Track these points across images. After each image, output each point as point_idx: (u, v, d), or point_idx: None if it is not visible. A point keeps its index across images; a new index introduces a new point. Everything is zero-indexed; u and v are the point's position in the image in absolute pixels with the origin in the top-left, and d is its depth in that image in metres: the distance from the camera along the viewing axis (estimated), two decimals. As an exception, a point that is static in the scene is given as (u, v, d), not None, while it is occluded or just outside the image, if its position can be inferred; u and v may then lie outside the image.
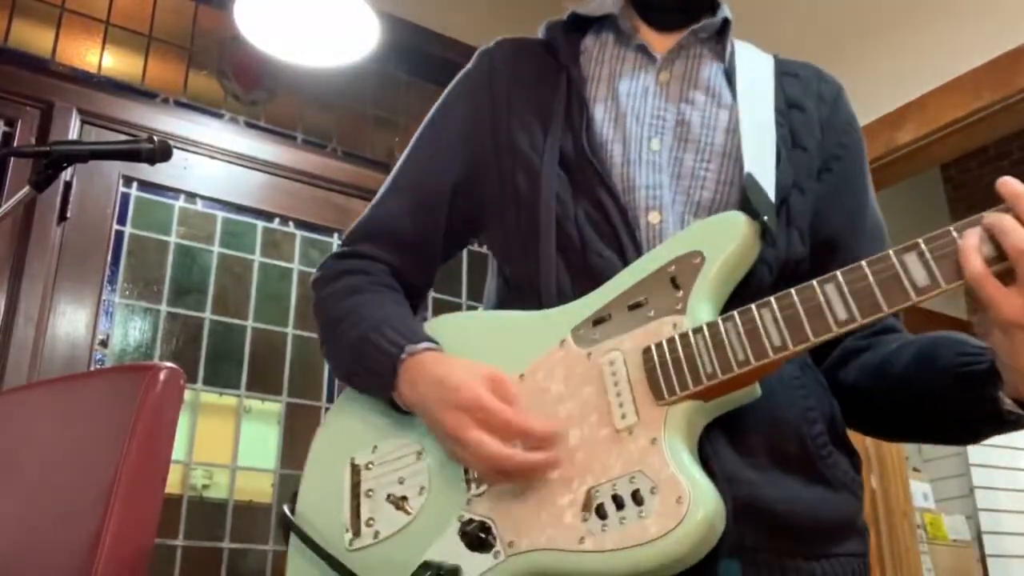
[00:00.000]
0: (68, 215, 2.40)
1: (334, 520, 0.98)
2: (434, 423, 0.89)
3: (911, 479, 2.70)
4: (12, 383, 2.19)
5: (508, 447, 0.83)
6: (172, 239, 2.61)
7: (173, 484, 2.39)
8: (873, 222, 1.05)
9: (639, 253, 0.92)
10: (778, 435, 0.88)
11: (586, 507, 0.81)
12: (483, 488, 0.88)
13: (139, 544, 1.15)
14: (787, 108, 1.02)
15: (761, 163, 0.95)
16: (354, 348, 0.98)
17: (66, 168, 1.49)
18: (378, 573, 0.92)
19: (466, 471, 0.90)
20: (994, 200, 0.75)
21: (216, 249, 2.68)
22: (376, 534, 0.94)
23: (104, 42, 2.67)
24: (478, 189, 1.06)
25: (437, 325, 1.02)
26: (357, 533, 0.96)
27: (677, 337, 0.83)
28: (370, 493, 0.97)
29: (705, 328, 0.82)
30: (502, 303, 1.04)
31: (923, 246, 0.75)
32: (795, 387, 0.91)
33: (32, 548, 1.19)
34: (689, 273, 0.86)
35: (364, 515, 0.96)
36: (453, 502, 0.90)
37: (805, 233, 0.97)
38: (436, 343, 0.95)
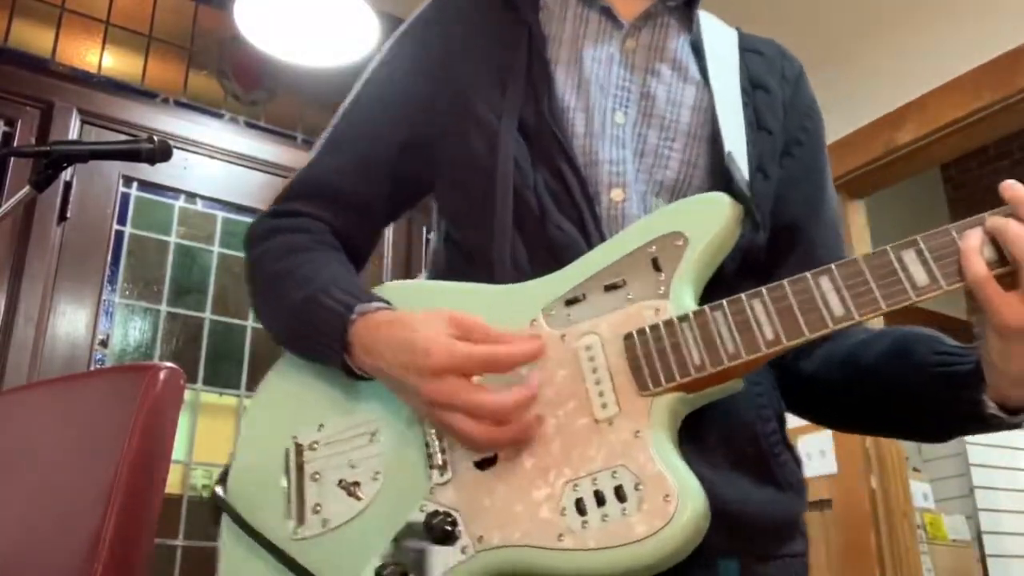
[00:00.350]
0: (68, 215, 2.40)
1: (274, 506, 0.88)
2: (408, 393, 0.80)
3: (911, 479, 2.70)
4: (12, 383, 2.19)
5: (508, 392, 0.76)
6: (172, 239, 2.61)
7: (173, 484, 2.39)
8: (832, 209, 1.02)
9: (599, 230, 0.87)
10: (734, 433, 0.85)
11: (565, 502, 0.76)
12: (448, 476, 0.81)
13: (139, 544, 1.15)
14: (751, 87, 0.99)
15: (735, 145, 0.92)
16: (298, 311, 0.89)
17: (66, 168, 1.49)
18: (326, 566, 0.83)
19: (429, 455, 0.82)
20: (994, 200, 0.74)
21: (216, 249, 2.68)
22: (325, 523, 0.85)
23: (104, 42, 2.67)
24: (428, 148, 0.98)
25: (386, 292, 0.92)
26: (302, 521, 0.86)
27: (661, 324, 0.78)
28: (316, 477, 0.87)
29: (692, 317, 0.77)
30: (451, 270, 0.96)
31: (922, 244, 0.73)
32: (752, 383, 0.87)
33: (32, 548, 1.19)
34: (671, 255, 0.81)
35: (310, 501, 0.87)
36: (413, 490, 0.82)
37: (767, 219, 0.94)
38: (387, 303, 0.87)
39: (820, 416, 1.01)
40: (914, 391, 0.86)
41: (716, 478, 0.78)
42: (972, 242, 0.71)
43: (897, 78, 2.53)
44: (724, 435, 0.84)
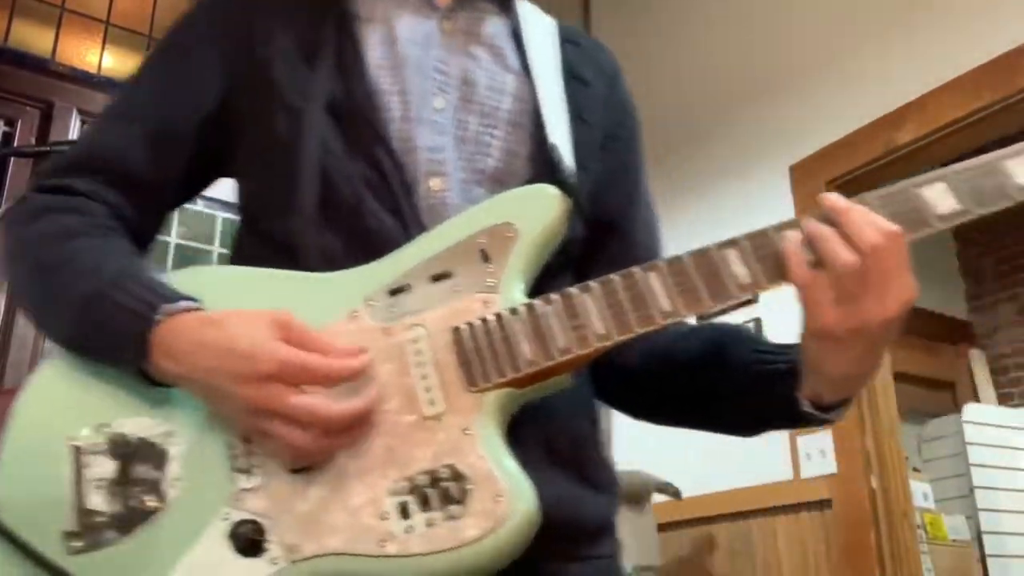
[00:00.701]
0: (68, 215, 2.40)
1: (48, 516, 0.77)
2: (225, 401, 0.73)
3: (911, 479, 2.70)
4: (12, 383, 2.19)
5: (345, 402, 0.72)
6: (172, 239, 2.61)
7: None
8: (648, 206, 1.02)
9: (419, 220, 0.84)
10: (552, 432, 0.83)
11: (387, 505, 0.72)
12: (256, 481, 0.74)
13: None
14: (571, 78, 0.96)
15: (558, 136, 0.90)
16: (83, 307, 0.79)
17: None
18: None
19: (233, 458, 0.75)
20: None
21: (216, 249, 2.68)
22: (107, 534, 0.75)
23: (104, 42, 2.67)
24: (228, 127, 0.91)
25: (186, 279, 0.83)
26: (83, 532, 0.76)
27: (491, 318, 0.76)
28: (100, 484, 0.77)
29: (523, 310, 0.75)
30: (256, 262, 0.87)
31: (743, 243, 0.75)
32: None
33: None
34: (501, 246, 0.78)
35: (92, 510, 0.76)
36: (215, 497, 0.75)
37: (586, 213, 0.92)
38: (195, 300, 0.78)
39: (635, 409, 1.00)
40: (731, 387, 0.87)
41: (534, 478, 0.75)
42: (794, 244, 0.73)
43: (897, 78, 2.52)
44: (543, 434, 0.82)
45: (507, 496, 0.70)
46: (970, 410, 4.04)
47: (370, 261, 0.81)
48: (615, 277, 0.76)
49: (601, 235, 0.94)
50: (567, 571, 0.82)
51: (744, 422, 0.92)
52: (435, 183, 0.86)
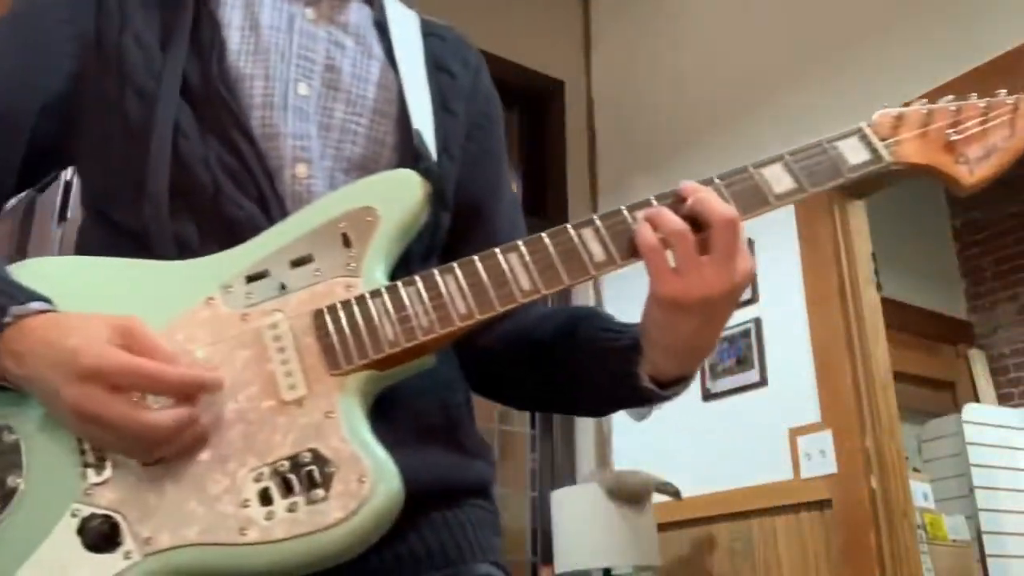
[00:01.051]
0: (68, 215, 2.40)
1: None
2: (52, 400, 0.70)
3: (911, 479, 2.70)
4: None
5: (161, 411, 0.69)
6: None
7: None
8: (510, 195, 1.04)
9: (283, 208, 0.83)
10: (421, 404, 0.84)
11: (247, 492, 0.70)
12: (107, 474, 0.72)
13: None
14: (435, 69, 0.97)
15: (423, 124, 0.91)
16: None
17: (66, 168, 1.49)
18: None
19: (82, 452, 0.73)
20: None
21: (216, 249, 2.68)
22: None
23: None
24: (74, 112, 0.87)
25: (39, 268, 0.81)
26: None
27: (353, 300, 0.76)
28: None
29: (385, 292, 0.76)
30: (105, 253, 0.83)
31: (598, 222, 0.78)
32: (439, 358, 0.85)
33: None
34: (362, 231, 0.79)
35: None
36: (62, 493, 0.72)
37: (451, 201, 0.94)
38: (48, 301, 0.75)
39: (498, 393, 1.00)
40: (580, 366, 0.89)
41: (407, 454, 0.76)
42: (643, 220, 0.78)
43: (896, 78, 2.52)
44: (411, 408, 0.82)
45: (370, 477, 0.70)
46: (970, 410, 4.04)
47: (229, 248, 0.80)
48: (476, 258, 0.78)
49: (466, 224, 0.95)
50: (428, 519, 0.82)
51: (595, 401, 0.94)
52: (300, 170, 0.85)
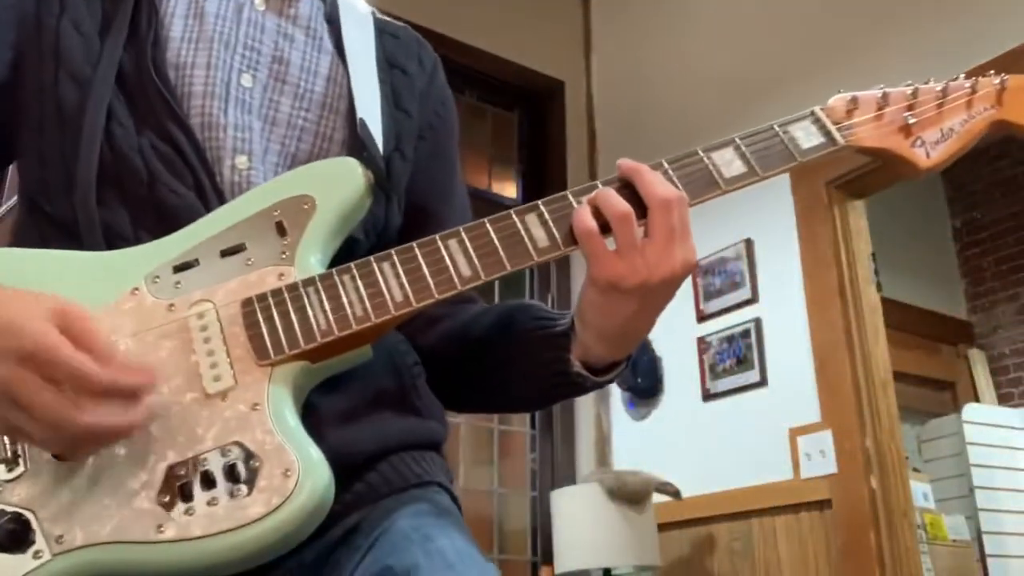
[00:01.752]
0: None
1: None
2: None
3: (911, 479, 2.70)
4: None
5: (79, 407, 0.64)
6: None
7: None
8: (462, 194, 1.02)
9: (221, 199, 0.80)
10: (373, 370, 0.81)
11: (166, 488, 0.67)
12: (19, 470, 0.69)
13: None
14: (388, 67, 0.96)
15: (370, 120, 0.88)
16: None
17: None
18: None
19: None
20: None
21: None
22: None
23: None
24: (15, 101, 0.85)
25: None
26: None
27: (284, 288, 0.73)
28: None
29: (319, 281, 0.74)
30: (41, 245, 0.81)
31: (542, 208, 0.77)
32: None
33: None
34: (297, 218, 0.76)
35: None
36: None
37: (403, 199, 0.92)
38: None
39: (441, 395, 0.96)
40: (514, 356, 0.88)
41: (355, 425, 0.74)
42: (584, 204, 0.76)
43: (895, 77, 2.52)
44: (362, 374, 0.80)
45: (296, 471, 0.67)
46: (970, 410, 4.04)
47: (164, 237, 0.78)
48: (414, 244, 0.76)
49: (417, 222, 0.92)
50: (392, 462, 0.81)
51: (529, 392, 0.92)
52: (241, 161, 0.83)
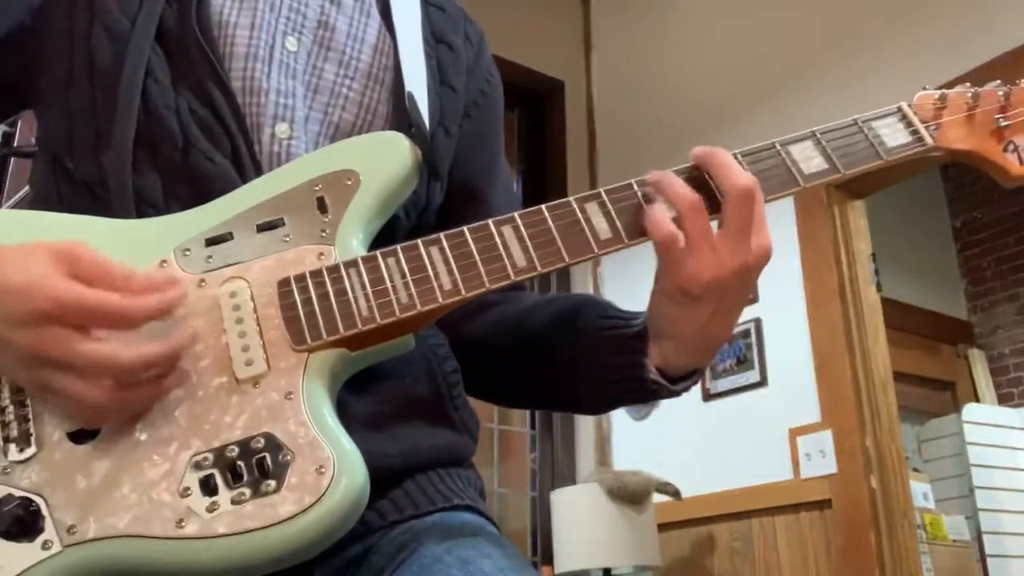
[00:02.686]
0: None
1: None
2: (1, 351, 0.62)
3: (911, 479, 2.70)
4: None
5: (120, 345, 0.60)
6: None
7: None
8: (506, 173, 0.98)
9: (257, 167, 0.76)
10: (408, 374, 0.77)
11: (188, 479, 0.62)
12: (30, 451, 0.63)
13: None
14: (435, 40, 0.91)
15: (417, 93, 0.83)
16: None
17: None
18: None
19: (4, 422, 0.65)
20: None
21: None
22: None
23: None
24: (37, 47, 0.79)
25: None
26: None
27: (325, 270, 0.68)
28: None
29: (361, 263, 0.68)
30: (63, 206, 0.76)
31: (604, 196, 0.72)
32: (426, 334, 0.79)
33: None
34: (340, 195, 0.71)
35: None
36: None
37: (444, 179, 0.86)
38: None
39: (486, 390, 0.91)
40: (580, 355, 0.82)
41: (383, 433, 0.69)
42: (658, 202, 0.71)
43: (897, 77, 2.53)
44: (396, 377, 0.76)
45: (331, 468, 0.61)
46: (970, 410, 4.04)
47: (196, 207, 0.73)
48: (465, 229, 0.70)
49: (458, 205, 0.88)
50: (420, 523, 0.75)
51: (595, 396, 0.85)
52: (281, 129, 0.78)
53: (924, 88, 0.82)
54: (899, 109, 0.80)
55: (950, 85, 0.84)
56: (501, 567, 0.69)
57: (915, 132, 0.79)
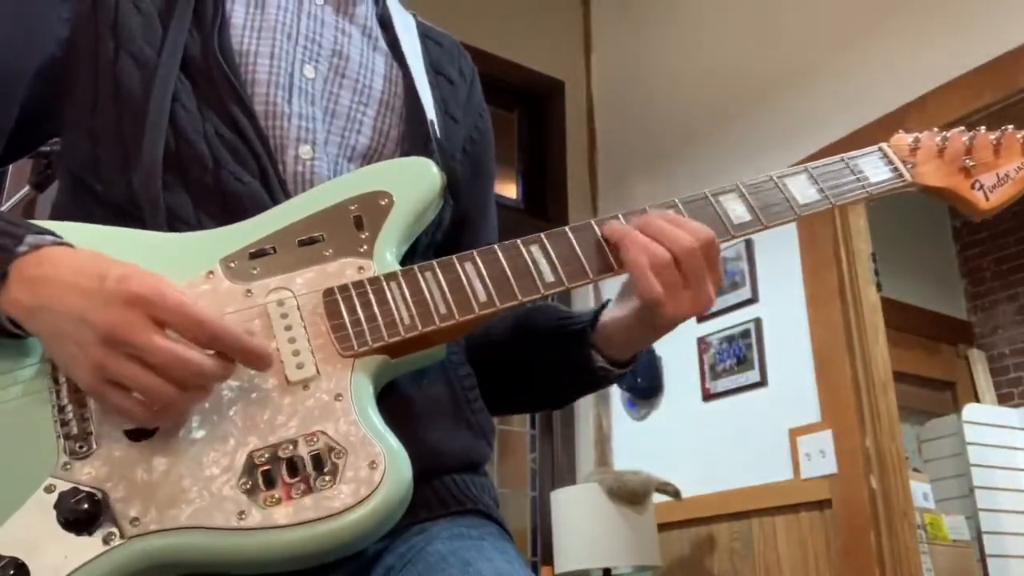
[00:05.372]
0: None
1: None
2: (69, 330, 0.63)
3: (911, 479, 2.69)
4: None
5: (195, 350, 0.63)
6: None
7: None
8: (493, 212, 1.04)
9: (284, 189, 0.80)
10: (427, 381, 0.82)
11: (248, 475, 0.65)
12: (90, 448, 0.65)
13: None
14: (435, 74, 0.97)
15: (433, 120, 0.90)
16: None
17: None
18: None
19: (63, 423, 0.66)
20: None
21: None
22: None
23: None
24: (67, 76, 0.82)
25: None
26: None
27: (367, 281, 0.73)
28: None
29: (401, 276, 0.74)
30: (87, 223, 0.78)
31: (621, 220, 0.80)
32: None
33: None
34: (375, 214, 0.77)
35: None
36: (37, 466, 0.65)
37: (453, 206, 0.91)
38: (62, 239, 0.70)
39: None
40: (536, 353, 0.91)
41: (406, 436, 0.72)
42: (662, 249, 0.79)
43: (899, 77, 2.53)
44: (416, 383, 0.80)
45: (382, 462, 0.66)
46: (970, 410, 4.04)
47: (228, 224, 0.76)
48: (496, 247, 0.77)
49: (455, 230, 0.93)
50: (433, 525, 0.79)
51: (554, 388, 0.95)
52: (304, 151, 0.83)
53: (899, 131, 0.94)
54: (880, 148, 0.91)
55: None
56: (499, 570, 0.72)
57: (895, 169, 0.89)
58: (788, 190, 0.85)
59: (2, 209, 1.47)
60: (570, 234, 0.78)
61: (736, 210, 0.83)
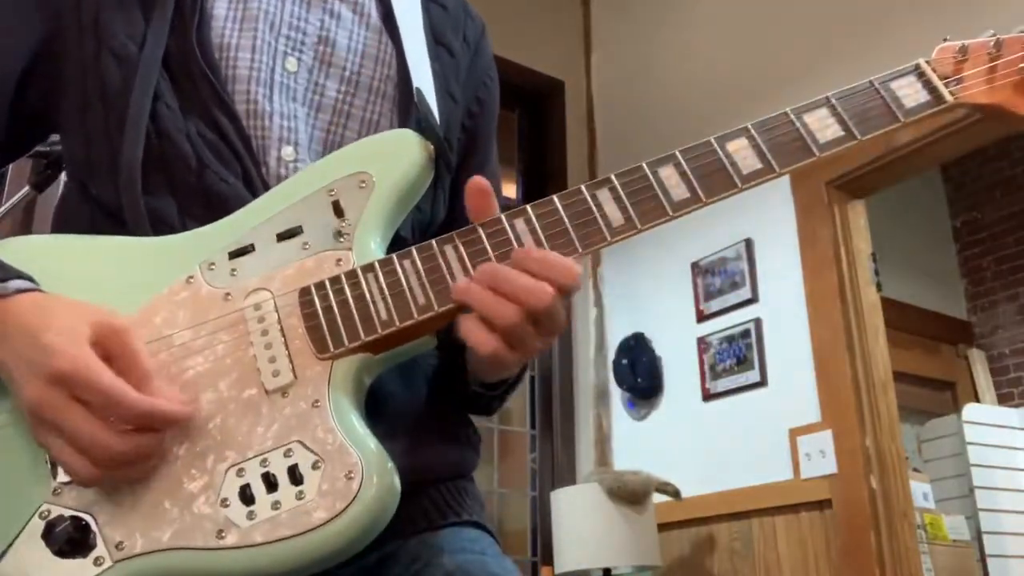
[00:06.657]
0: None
1: None
2: (17, 393, 0.65)
3: (911, 479, 2.69)
4: None
5: (121, 435, 0.62)
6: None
7: None
8: (496, 178, 0.97)
9: (267, 189, 0.76)
10: (414, 391, 0.80)
11: (226, 490, 0.64)
12: None
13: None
14: (435, 44, 0.91)
15: (426, 91, 0.84)
16: None
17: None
18: None
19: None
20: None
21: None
22: None
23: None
24: (55, 75, 0.81)
25: (10, 248, 0.75)
26: None
27: (343, 276, 0.69)
28: None
29: (378, 266, 0.69)
30: (93, 231, 0.78)
31: (615, 181, 0.71)
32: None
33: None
34: (355, 197, 0.72)
35: None
36: (28, 492, 0.66)
37: (448, 192, 0.87)
38: (31, 280, 0.69)
39: None
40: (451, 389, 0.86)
41: (393, 447, 0.71)
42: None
43: (897, 78, 2.52)
44: (404, 394, 0.79)
45: (359, 472, 0.63)
46: (970, 410, 4.04)
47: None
48: (477, 226, 0.70)
49: (455, 219, 0.87)
50: (433, 536, 0.79)
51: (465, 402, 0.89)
52: (287, 152, 0.79)
53: (945, 39, 0.80)
54: (917, 67, 0.79)
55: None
56: None
57: (934, 90, 0.77)
58: (806, 125, 0.75)
59: (2, 209, 1.47)
60: (558, 203, 0.71)
61: (747, 159, 0.76)
